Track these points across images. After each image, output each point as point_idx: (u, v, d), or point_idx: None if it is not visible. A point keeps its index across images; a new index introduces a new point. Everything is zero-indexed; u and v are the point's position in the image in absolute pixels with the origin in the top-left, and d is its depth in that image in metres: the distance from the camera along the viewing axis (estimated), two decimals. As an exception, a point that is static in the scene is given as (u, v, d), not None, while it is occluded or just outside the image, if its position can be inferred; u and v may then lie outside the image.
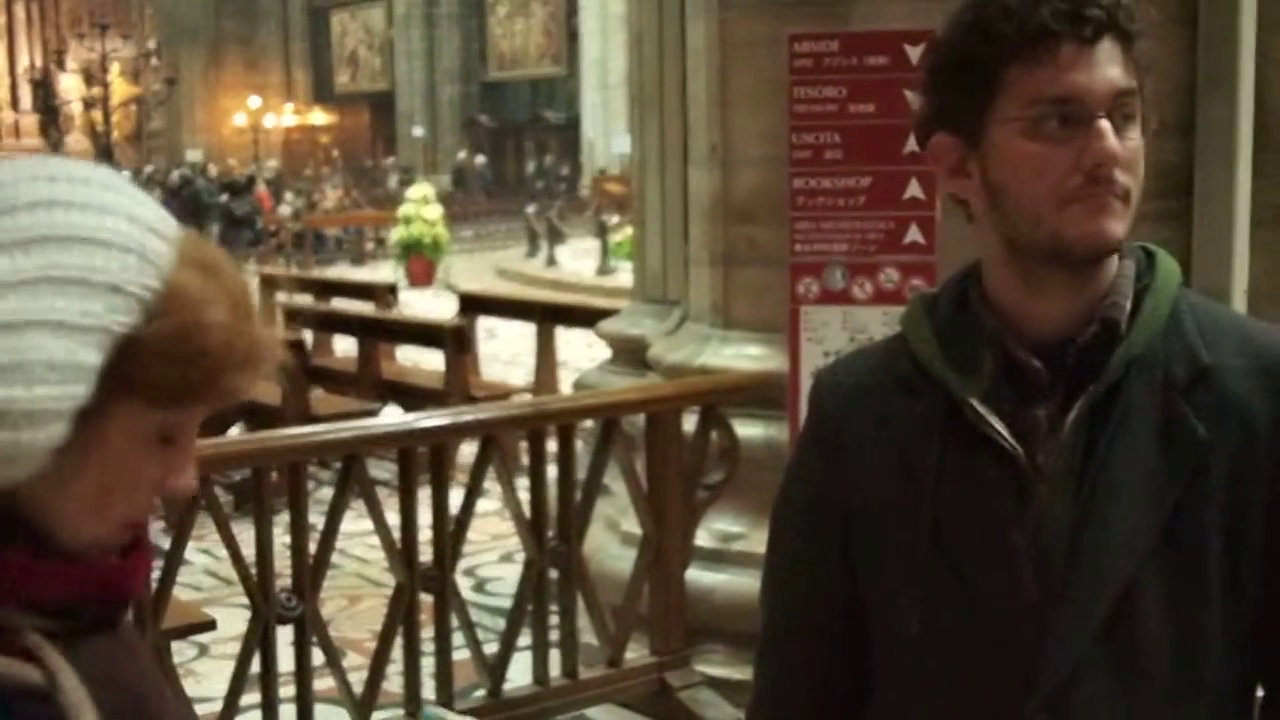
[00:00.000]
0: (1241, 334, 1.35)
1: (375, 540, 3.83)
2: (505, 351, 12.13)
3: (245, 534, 3.53)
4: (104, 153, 37.01)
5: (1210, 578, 1.29)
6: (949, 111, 1.32)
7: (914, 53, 3.52)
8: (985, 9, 1.28)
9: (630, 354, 5.30)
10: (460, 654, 3.87)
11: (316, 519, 3.67)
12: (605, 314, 6.18)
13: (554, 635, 4.02)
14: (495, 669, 3.89)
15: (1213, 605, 1.30)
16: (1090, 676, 1.29)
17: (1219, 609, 1.30)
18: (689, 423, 4.16)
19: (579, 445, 4.29)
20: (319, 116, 44.70)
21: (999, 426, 1.31)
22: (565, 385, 7.70)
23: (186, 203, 25.90)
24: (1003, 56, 1.26)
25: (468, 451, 4.33)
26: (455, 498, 3.82)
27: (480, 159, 35.36)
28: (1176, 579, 1.29)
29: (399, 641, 3.73)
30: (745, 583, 4.05)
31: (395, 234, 20.04)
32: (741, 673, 4.01)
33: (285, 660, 3.55)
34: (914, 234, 3.71)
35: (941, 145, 1.34)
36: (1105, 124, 1.25)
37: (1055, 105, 1.25)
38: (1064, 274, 1.30)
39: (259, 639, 3.50)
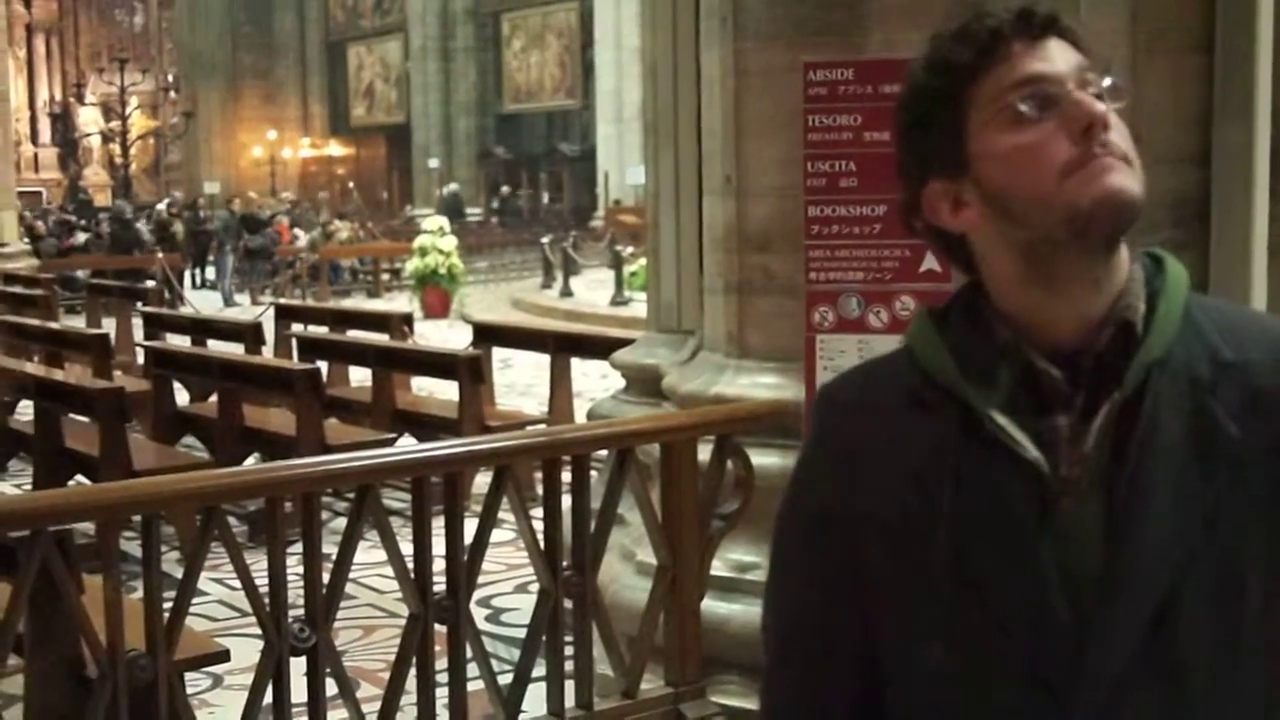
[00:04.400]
0: (1260, 328, 1.34)
1: (389, 570, 3.82)
2: (520, 382, 12.14)
3: (259, 564, 3.52)
4: (122, 185, 37.27)
5: (1252, 582, 1.26)
6: (932, 153, 1.32)
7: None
8: (936, 44, 1.32)
9: (645, 384, 5.29)
10: (474, 685, 3.84)
11: (330, 549, 3.65)
12: (620, 344, 6.18)
13: (569, 666, 3.99)
14: (510, 700, 3.87)
15: (1255, 610, 1.26)
16: (1132, 694, 1.25)
17: (1262, 613, 1.26)
18: (704, 452, 4.14)
19: (593, 475, 4.28)
20: (335, 149, 44.95)
21: (1021, 438, 1.28)
22: (580, 415, 7.69)
23: (203, 236, 26.15)
24: (964, 75, 1.29)
25: (482, 481, 4.31)
26: (469, 528, 3.80)
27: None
28: (1217, 585, 1.25)
29: (413, 672, 3.71)
30: (761, 613, 4.02)
31: (410, 265, 20.10)
32: (757, 703, 3.97)
33: (299, 691, 3.53)
34: (930, 262, 3.70)
35: (934, 191, 1.34)
36: (1080, 93, 1.26)
37: (1025, 88, 1.27)
38: (1087, 261, 1.28)
39: (272, 669, 3.48)
